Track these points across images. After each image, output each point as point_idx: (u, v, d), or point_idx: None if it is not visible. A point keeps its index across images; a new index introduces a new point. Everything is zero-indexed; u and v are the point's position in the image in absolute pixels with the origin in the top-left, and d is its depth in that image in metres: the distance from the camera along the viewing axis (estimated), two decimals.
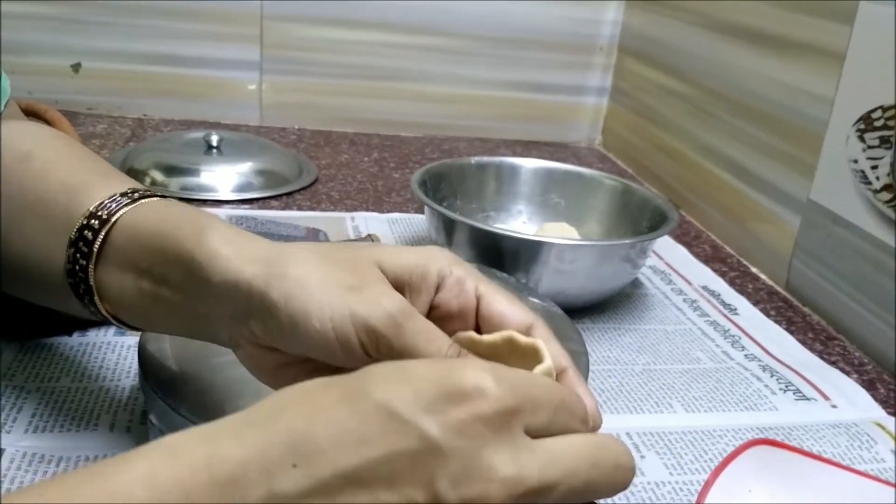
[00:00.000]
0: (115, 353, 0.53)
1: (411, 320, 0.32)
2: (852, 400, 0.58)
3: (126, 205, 0.38)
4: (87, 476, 0.25)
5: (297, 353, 0.34)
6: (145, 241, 0.37)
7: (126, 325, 0.40)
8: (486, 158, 0.77)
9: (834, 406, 0.57)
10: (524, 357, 0.31)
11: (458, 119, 1.17)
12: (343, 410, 0.26)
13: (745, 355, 0.63)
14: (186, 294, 0.36)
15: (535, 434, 0.27)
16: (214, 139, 0.90)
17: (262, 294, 0.33)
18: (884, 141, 0.67)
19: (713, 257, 0.84)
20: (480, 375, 0.27)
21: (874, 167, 0.68)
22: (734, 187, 0.88)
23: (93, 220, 0.38)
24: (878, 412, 0.58)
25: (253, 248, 0.35)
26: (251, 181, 0.88)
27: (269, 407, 0.27)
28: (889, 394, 0.61)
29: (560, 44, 1.16)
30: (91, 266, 0.38)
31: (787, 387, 0.59)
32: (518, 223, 0.77)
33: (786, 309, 0.73)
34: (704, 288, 0.75)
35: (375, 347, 0.32)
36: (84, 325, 0.55)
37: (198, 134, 0.92)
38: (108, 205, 0.38)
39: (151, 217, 0.38)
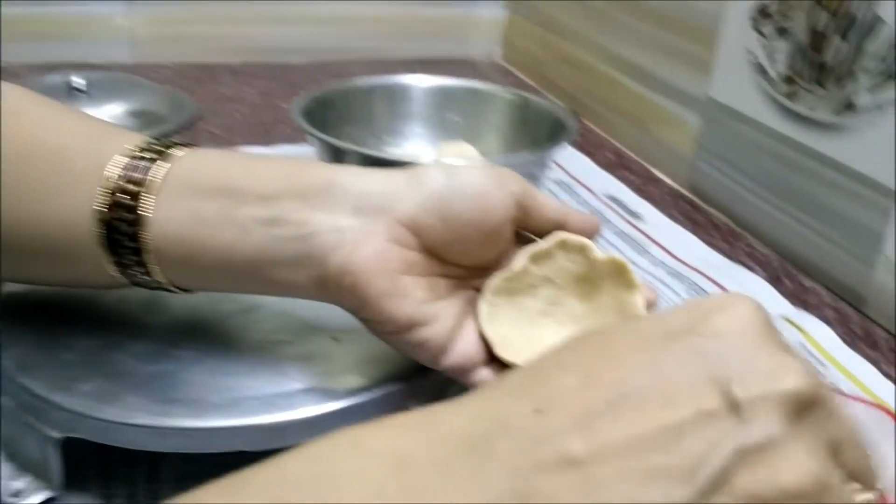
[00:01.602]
0: None
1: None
2: (758, 297, 0.58)
3: (178, 146, 0.36)
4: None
5: (444, 210, 0.34)
6: (233, 162, 0.36)
7: (157, 280, 0.36)
8: (373, 80, 0.73)
9: None
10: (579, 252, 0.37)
11: (349, 41, 1.11)
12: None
13: (652, 262, 0.62)
14: (293, 205, 0.33)
15: None
16: (78, 81, 0.82)
17: (428, 169, 0.35)
18: (780, 31, 0.65)
19: (617, 164, 0.82)
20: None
21: (772, 59, 0.66)
22: (635, 91, 0.86)
23: (144, 153, 0.35)
24: (786, 307, 0.57)
25: None
26: (124, 124, 0.81)
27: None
28: (796, 288, 0.61)
29: None
30: (143, 197, 0.34)
31: (693, 290, 0.58)
32: (415, 146, 0.73)
33: (690, 210, 0.72)
34: (609, 196, 0.73)
35: (521, 208, 0.36)
36: None
37: (59, 77, 0.84)
38: (153, 145, 0.35)
39: (219, 154, 0.36)
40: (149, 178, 0.34)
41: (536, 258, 0.37)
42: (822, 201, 0.63)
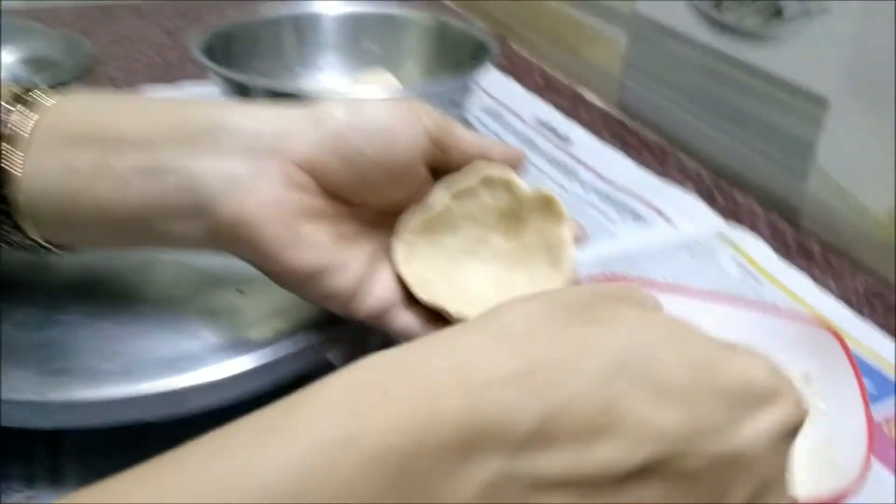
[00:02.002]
0: None
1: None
2: (691, 216, 0.56)
3: (48, 93, 0.32)
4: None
5: (345, 149, 0.31)
6: (110, 106, 0.32)
7: (34, 240, 0.32)
8: (280, 9, 0.68)
9: (673, 225, 0.55)
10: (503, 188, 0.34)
11: None
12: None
13: (583, 186, 0.60)
14: (176, 151, 0.30)
15: None
16: None
17: (328, 104, 0.32)
18: None
19: (545, 88, 0.79)
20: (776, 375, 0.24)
21: None
22: (560, 10, 0.83)
23: (10, 105, 0.31)
24: (719, 223, 0.56)
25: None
26: (17, 73, 0.75)
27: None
28: (729, 203, 0.59)
29: None
30: (10, 153, 0.30)
31: (625, 212, 0.56)
32: (330, 78, 0.69)
33: (620, 131, 0.70)
34: (538, 121, 0.70)
35: (436, 143, 0.33)
36: None
37: None
38: (20, 95, 0.31)
39: (93, 99, 0.32)
40: (15, 132, 0.30)
41: (458, 196, 0.34)
42: (753, 113, 0.61)
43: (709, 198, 0.59)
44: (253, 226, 0.30)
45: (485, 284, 0.35)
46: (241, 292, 0.36)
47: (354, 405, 0.20)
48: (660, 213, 0.56)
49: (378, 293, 0.33)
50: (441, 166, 0.34)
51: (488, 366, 0.21)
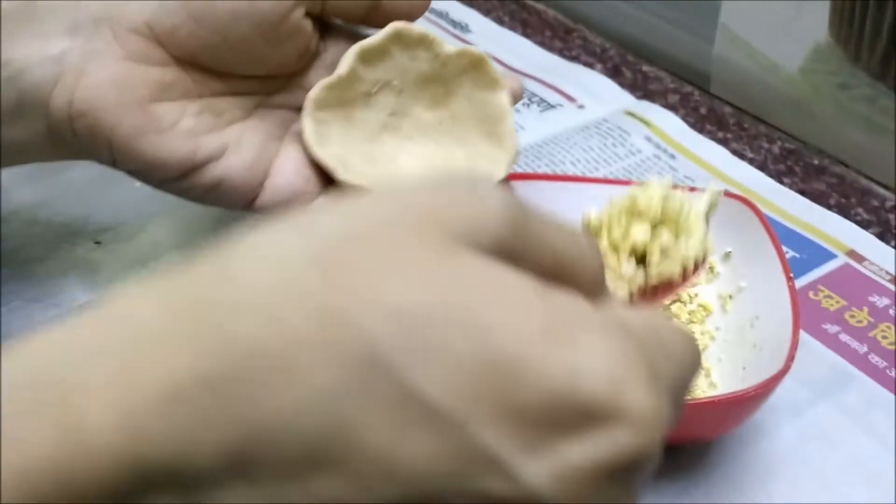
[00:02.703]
0: None
1: None
2: (598, 95, 0.53)
3: None
4: None
5: (195, 6, 0.25)
6: None
7: None
8: None
9: (581, 107, 0.52)
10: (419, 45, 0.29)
11: None
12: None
13: None
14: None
15: None
16: None
17: None
18: None
19: None
20: (625, 381, 0.15)
21: None
22: None
23: None
24: (627, 99, 0.53)
25: None
26: None
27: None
28: (636, 77, 0.56)
29: None
30: None
31: (530, 100, 0.53)
32: None
33: (519, 11, 0.65)
34: (431, 10, 0.65)
35: None
36: None
37: None
38: None
39: None
40: None
41: (366, 57, 0.29)
42: None
43: (615, 73, 0.56)
44: (94, 114, 0.25)
45: (414, 163, 0.30)
46: (98, 243, 0.32)
47: None
48: (566, 95, 0.53)
49: (284, 181, 0.28)
50: (329, 16, 0.29)
51: (170, 370, 0.14)
